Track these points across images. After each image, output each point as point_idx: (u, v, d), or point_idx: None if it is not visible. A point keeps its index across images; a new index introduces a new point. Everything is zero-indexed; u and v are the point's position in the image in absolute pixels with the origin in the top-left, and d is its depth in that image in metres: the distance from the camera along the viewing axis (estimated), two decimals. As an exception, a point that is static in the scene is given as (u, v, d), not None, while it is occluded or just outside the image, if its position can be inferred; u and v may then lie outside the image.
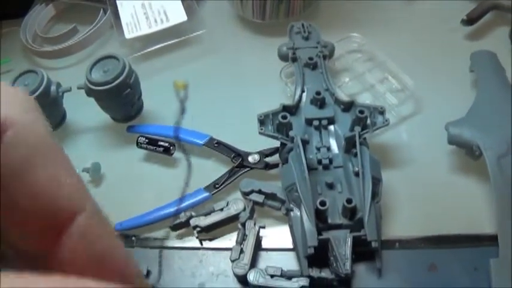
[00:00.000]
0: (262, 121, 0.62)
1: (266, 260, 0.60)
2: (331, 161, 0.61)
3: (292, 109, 0.65)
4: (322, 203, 0.55)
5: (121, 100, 0.68)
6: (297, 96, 0.66)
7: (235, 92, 0.75)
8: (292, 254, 0.59)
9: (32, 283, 0.16)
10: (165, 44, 0.77)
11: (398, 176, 0.65)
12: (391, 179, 0.64)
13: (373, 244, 0.54)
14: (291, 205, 0.58)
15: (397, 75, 0.72)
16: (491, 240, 0.58)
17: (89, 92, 0.67)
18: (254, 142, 0.66)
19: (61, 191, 0.20)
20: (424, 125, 0.69)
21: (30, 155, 0.19)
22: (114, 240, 0.21)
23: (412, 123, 0.70)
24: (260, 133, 0.62)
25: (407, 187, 0.65)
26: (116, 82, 0.65)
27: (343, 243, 0.55)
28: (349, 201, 0.56)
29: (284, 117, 0.61)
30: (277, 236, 0.62)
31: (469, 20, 0.78)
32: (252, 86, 0.75)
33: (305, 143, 0.60)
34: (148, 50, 0.77)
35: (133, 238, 0.64)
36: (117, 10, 0.78)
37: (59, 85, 0.70)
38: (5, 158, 0.19)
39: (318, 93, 0.64)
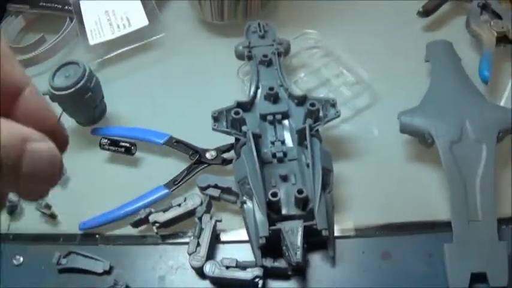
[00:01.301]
0: (216, 118, 0.63)
1: (223, 253, 0.61)
2: (285, 154, 0.61)
3: (247, 105, 0.65)
4: (274, 194, 0.55)
5: (83, 104, 0.69)
6: (251, 93, 0.66)
7: (195, 92, 0.75)
8: (248, 246, 0.59)
9: None
10: (128, 48, 0.78)
11: (354, 167, 0.65)
12: (347, 169, 0.65)
13: (324, 233, 0.55)
14: (244, 198, 0.58)
15: (353, 69, 0.73)
16: (445, 226, 0.57)
17: (53, 97, 0.68)
18: (214, 139, 0.66)
19: (14, 70, 0.29)
20: (380, 117, 0.70)
21: None
22: (47, 106, 0.31)
23: (368, 115, 0.70)
24: (213, 129, 0.62)
25: (363, 177, 0.65)
26: (77, 86, 0.66)
27: (295, 233, 0.55)
28: (300, 191, 0.56)
29: (237, 113, 0.61)
30: (234, 228, 0.62)
31: (425, 12, 0.78)
32: (211, 85, 0.76)
33: (257, 137, 0.60)
34: (112, 54, 0.78)
35: (97, 236, 0.64)
36: (82, 18, 0.79)
37: (25, 93, 0.71)
38: None
39: (271, 88, 0.64)
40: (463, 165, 0.60)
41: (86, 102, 0.69)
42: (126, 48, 0.78)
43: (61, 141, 0.31)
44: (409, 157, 0.66)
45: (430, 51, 0.72)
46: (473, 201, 0.58)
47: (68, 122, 0.73)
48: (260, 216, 0.55)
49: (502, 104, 0.69)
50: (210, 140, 0.66)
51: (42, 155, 0.27)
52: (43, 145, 0.27)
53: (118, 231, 0.64)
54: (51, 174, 0.28)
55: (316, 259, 0.59)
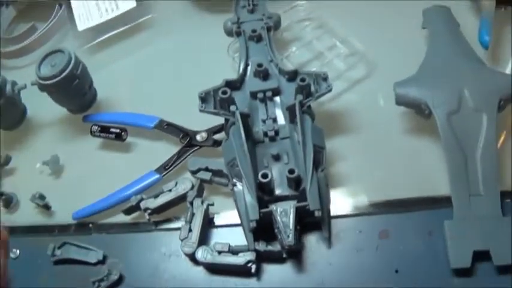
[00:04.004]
0: (203, 98, 0.58)
1: (217, 237, 0.57)
2: (277, 132, 0.57)
3: (236, 83, 0.61)
4: (264, 175, 0.51)
5: (71, 91, 0.66)
6: (241, 70, 0.62)
7: (185, 72, 0.71)
8: (241, 229, 0.54)
9: None
10: (117, 31, 0.74)
11: (350, 142, 0.61)
12: (343, 146, 0.60)
13: (316, 213, 0.50)
14: (234, 180, 0.54)
15: (346, 40, 0.67)
16: (446, 202, 0.52)
17: (41, 87, 0.66)
18: (207, 120, 0.62)
19: None
20: (376, 89, 0.64)
21: None
22: None
23: (364, 88, 0.65)
24: (201, 111, 0.58)
25: (359, 153, 0.60)
26: (63, 75, 0.64)
27: (287, 215, 0.51)
28: (291, 171, 0.51)
29: (224, 93, 0.57)
30: (227, 212, 0.58)
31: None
32: (202, 64, 0.71)
33: (246, 116, 0.56)
34: (101, 39, 0.74)
35: (90, 225, 0.62)
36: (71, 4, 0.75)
37: (14, 83, 0.68)
38: None
39: (260, 65, 0.60)
40: (463, 137, 0.54)
41: (74, 89, 0.66)
42: (115, 32, 0.75)
43: None
44: (407, 130, 0.61)
45: (426, 17, 0.66)
46: (474, 175, 0.53)
47: (59, 110, 0.70)
48: (250, 199, 0.51)
49: (504, 70, 0.62)
50: (203, 121, 0.62)
51: None
52: None
53: (111, 220, 0.61)
54: None
55: (312, 240, 0.55)
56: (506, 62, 0.65)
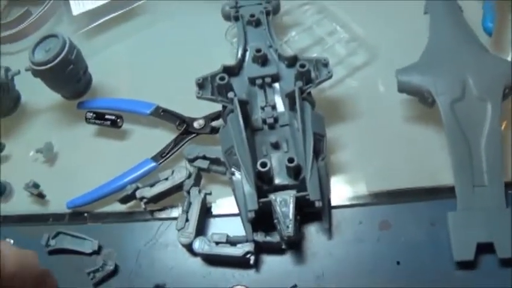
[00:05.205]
0: (200, 85, 0.56)
1: (215, 227, 0.55)
2: (276, 119, 0.55)
3: (234, 69, 0.58)
4: (263, 164, 0.49)
5: (65, 77, 0.64)
6: (239, 56, 0.59)
7: (182, 58, 0.69)
8: (240, 220, 0.52)
9: None
10: (112, 16, 0.71)
11: (351, 130, 0.59)
12: (344, 133, 0.58)
13: (317, 204, 0.48)
14: (232, 169, 0.52)
15: (347, 25, 0.65)
16: (449, 192, 0.50)
17: (35, 73, 0.63)
18: (204, 107, 0.59)
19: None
20: (378, 75, 0.62)
21: None
22: None
23: (365, 74, 0.63)
24: (198, 97, 0.55)
25: (361, 141, 0.58)
26: (57, 60, 0.62)
27: (287, 205, 0.49)
28: (290, 160, 0.49)
29: (222, 79, 0.54)
30: (225, 201, 0.56)
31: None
32: (199, 50, 0.69)
33: (244, 103, 0.54)
34: (96, 23, 0.72)
35: (85, 215, 0.59)
36: (65, -13, 0.73)
37: (7, 69, 0.66)
38: None
39: (258, 50, 0.57)
40: (466, 125, 0.52)
41: (68, 75, 0.63)
42: (110, 16, 0.72)
43: None
44: (409, 118, 0.58)
45: (429, 2, 0.64)
46: (478, 165, 0.50)
47: (53, 97, 0.67)
48: (248, 188, 0.49)
49: (508, 58, 0.60)
50: (201, 107, 0.60)
51: None
52: None
53: (107, 209, 0.59)
54: None
55: (312, 231, 0.52)
56: (509, 49, 0.62)
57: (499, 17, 0.63)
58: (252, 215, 0.48)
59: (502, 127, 0.54)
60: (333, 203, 0.54)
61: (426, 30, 0.62)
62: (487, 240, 0.47)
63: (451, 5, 0.63)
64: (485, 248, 0.47)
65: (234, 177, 0.51)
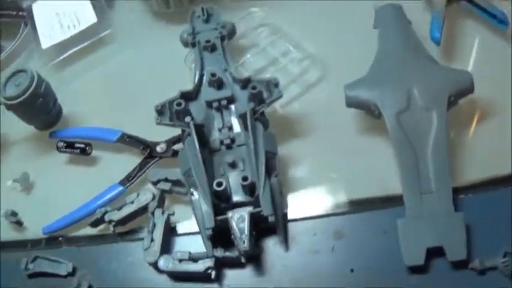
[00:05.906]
0: (159, 111, 0.58)
1: (179, 245, 0.57)
2: (233, 140, 0.57)
3: (192, 94, 0.60)
4: (219, 184, 0.51)
5: (36, 109, 0.66)
6: (196, 80, 0.61)
7: (146, 84, 0.71)
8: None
9: None
10: (80, 47, 0.73)
11: (305, 146, 0.61)
12: (299, 149, 0.60)
13: (270, 219, 0.50)
14: (191, 190, 0.54)
15: (300, 44, 0.67)
16: (399, 200, 0.52)
17: (7, 107, 0.65)
18: (168, 131, 0.61)
19: None
20: (331, 91, 0.64)
21: None
22: None
23: (318, 91, 0.65)
24: (157, 123, 0.58)
25: (314, 156, 0.60)
26: (26, 94, 0.63)
27: (243, 221, 0.51)
28: (244, 178, 0.52)
29: (179, 104, 0.57)
30: (188, 221, 0.58)
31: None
32: (162, 76, 0.70)
33: (200, 126, 0.56)
34: (65, 55, 0.74)
35: (60, 239, 0.61)
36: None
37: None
38: None
39: (213, 74, 0.60)
40: (413, 135, 0.54)
41: (38, 107, 0.66)
42: (77, 48, 0.74)
43: None
44: (362, 130, 0.60)
45: (378, 16, 0.66)
46: (425, 172, 0.52)
47: (27, 128, 0.70)
48: (206, 207, 0.51)
49: (458, 66, 0.61)
50: (165, 131, 0.62)
51: None
52: None
53: (81, 232, 0.61)
54: None
55: (270, 244, 0.55)
56: (460, 57, 0.64)
57: (449, 27, 0.65)
58: (209, 232, 0.50)
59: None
60: (289, 216, 0.56)
61: (376, 44, 0.64)
62: (436, 244, 0.49)
63: (399, 18, 0.65)
64: (435, 252, 0.49)
65: (192, 197, 0.54)
